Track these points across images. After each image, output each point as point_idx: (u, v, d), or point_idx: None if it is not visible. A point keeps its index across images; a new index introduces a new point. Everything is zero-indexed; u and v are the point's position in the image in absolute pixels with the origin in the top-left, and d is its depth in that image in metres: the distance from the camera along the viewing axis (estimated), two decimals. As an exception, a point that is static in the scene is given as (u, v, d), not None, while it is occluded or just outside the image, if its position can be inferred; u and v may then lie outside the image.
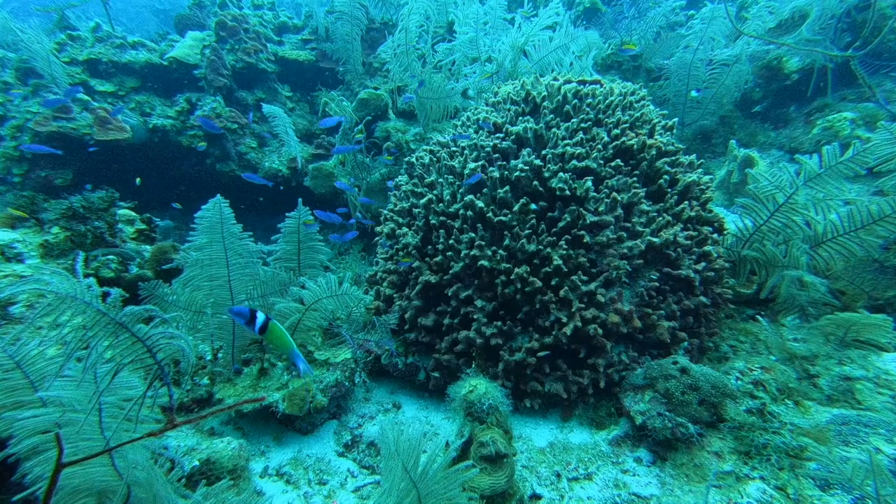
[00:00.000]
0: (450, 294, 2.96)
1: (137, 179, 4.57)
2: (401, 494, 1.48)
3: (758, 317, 3.00)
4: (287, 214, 3.16)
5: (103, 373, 1.47)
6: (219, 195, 2.88)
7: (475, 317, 2.85)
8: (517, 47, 3.94)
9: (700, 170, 2.97)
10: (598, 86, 3.13)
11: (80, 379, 1.52)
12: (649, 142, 2.82)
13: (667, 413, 2.07)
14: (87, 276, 2.47)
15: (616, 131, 2.89)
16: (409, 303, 3.14)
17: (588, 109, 2.99)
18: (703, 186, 2.85)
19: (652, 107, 3.11)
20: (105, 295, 1.43)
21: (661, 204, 2.78)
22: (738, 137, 7.13)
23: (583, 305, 2.59)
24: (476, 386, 2.27)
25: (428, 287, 3.09)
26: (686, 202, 2.77)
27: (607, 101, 2.99)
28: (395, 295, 3.29)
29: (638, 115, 2.98)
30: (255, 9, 6.91)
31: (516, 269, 2.73)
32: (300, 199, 3.10)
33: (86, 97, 4.41)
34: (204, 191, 6.23)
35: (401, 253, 3.26)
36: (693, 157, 2.99)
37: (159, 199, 5.64)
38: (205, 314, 2.84)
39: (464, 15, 4.66)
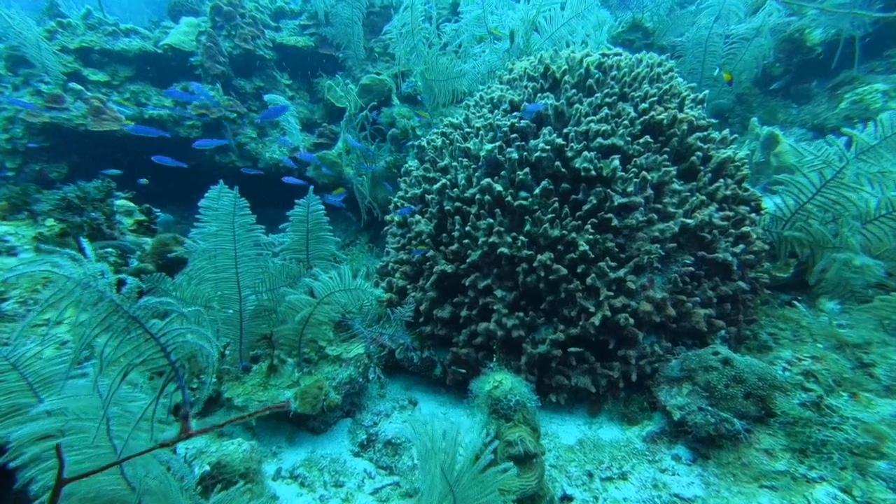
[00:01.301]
0: (467, 284, 2.84)
1: (144, 180, 4.46)
2: (439, 498, 1.37)
3: (794, 302, 2.86)
4: (296, 202, 3.04)
5: (110, 377, 1.37)
6: (221, 181, 2.78)
7: (495, 308, 2.73)
8: (528, 21, 3.77)
9: (734, 145, 2.81)
10: (622, 57, 2.97)
11: (87, 382, 1.41)
12: (680, 116, 2.67)
13: (709, 408, 1.95)
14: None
15: (644, 105, 2.73)
16: (424, 294, 3.02)
17: (612, 83, 2.84)
18: (738, 163, 2.70)
19: (680, 79, 2.95)
20: (120, 283, 1.32)
21: (694, 183, 2.63)
22: (757, 115, 6.90)
23: (611, 293, 2.46)
24: (501, 381, 2.16)
25: (443, 277, 2.97)
26: (721, 180, 2.62)
27: (633, 74, 2.84)
28: (408, 286, 3.17)
29: (666, 87, 2.82)
30: (251, -7, 6.75)
31: (539, 257, 2.60)
32: (311, 187, 2.98)
33: (79, 87, 4.29)
34: (203, 183, 6.14)
35: (413, 242, 3.14)
36: (727, 131, 2.83)
37: (158, 193, 5.54)
38: (211, 309, 2.74)
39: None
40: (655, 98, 2.73)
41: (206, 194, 2.80)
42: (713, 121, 2.82)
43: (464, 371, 2.93)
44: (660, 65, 2.96)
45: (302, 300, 2.72)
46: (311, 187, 3.05)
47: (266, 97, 5.46)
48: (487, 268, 2.84)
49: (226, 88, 5.24)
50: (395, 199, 3.51)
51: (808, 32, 6.65)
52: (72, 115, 4.17)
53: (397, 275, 3.26)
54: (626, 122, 2.70)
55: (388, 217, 3.64)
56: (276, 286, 2.85)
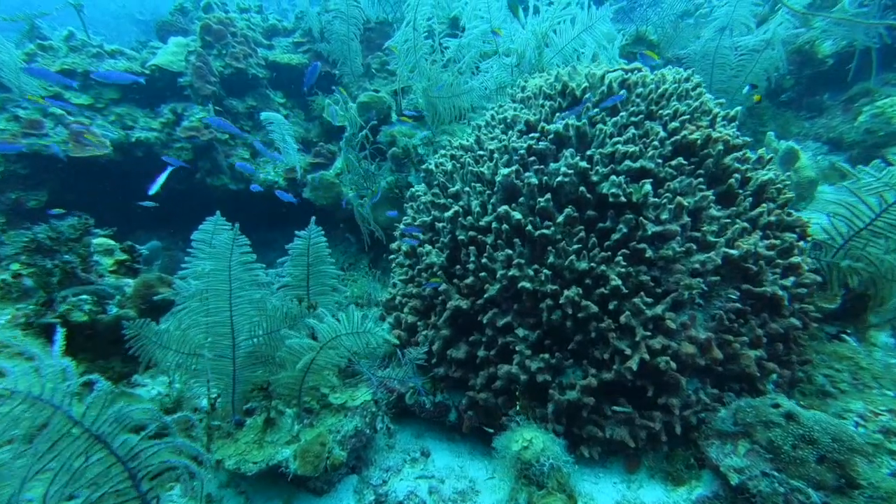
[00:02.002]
0: (485, 322, 2.61)
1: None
2: None
3: (843, 335, 2.63)
4: (296, 233, 2.82)
5: None
6: (217, 213, 2.59)
7: (517, 348, 2.50)
8: (540, 34, 3.60)
9: (772, 165, 2.61)
10: (645, 73, 2.79)
11: None
12: (715, 135, 2.47)
13: (775, 473, 1.71)
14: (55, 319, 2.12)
15: (674, 124, 2.54)
16: (437, 332, 2.79)
17: (638, 101, 2.65)
18: (779, 185, 2.50)
19: (708, 95, 2.77)
20: (89, 384, 1.08)
21: (734, 208, 2.42)
22: (770, 129, 6.76)
23: (648, 333, 2.23)
24: (531, 441, 1.92)
25: (458, 313, 2.74)
26: (763, 205, 2.41)
27: (660, 91, 2.65)
28: (418, 323, 2.93)
29: (696, 104, 2.63)
30: (242, 12, 6.62)
31: (566, 292, 2.37)
32: (313, 218, 2.76)
33: (60, 110, 4.08)
34: (194, 207, 5.93)
35: (424, 274, 2.91)
36: (763, 150, 2.64)
37: (145, 219, 5.31)
38: (201, 356, 2.49)
39: (473, 7, 4.33)
40: (687, 116, 2.53)
41: (201, 227, 2.59)
42: (748, 139, 2.63)
43: (477, 416, 2.68)
44: (687, 80, 2.78)
45: (304, 345, 2.48)
46: (314, 218, 2.83)
47: (262, 115, 5.25)
48: (507, 303, 2.61)
49: (217, 108, 5.05)
50: (402, 227, 3.29)
51: (818, 44, 6.56)
52: (51, 140, 3.96)
53: (406, 310, 3.03)
54: (655, 142, 2.50)
55: (393, 245, 3.41)
56: (275, 329, 2.61)
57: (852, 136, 5.64)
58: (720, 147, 2.48)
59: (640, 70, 2.94)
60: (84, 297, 2.19)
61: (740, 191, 2.46)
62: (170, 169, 2.81)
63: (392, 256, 3.46)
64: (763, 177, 2.47)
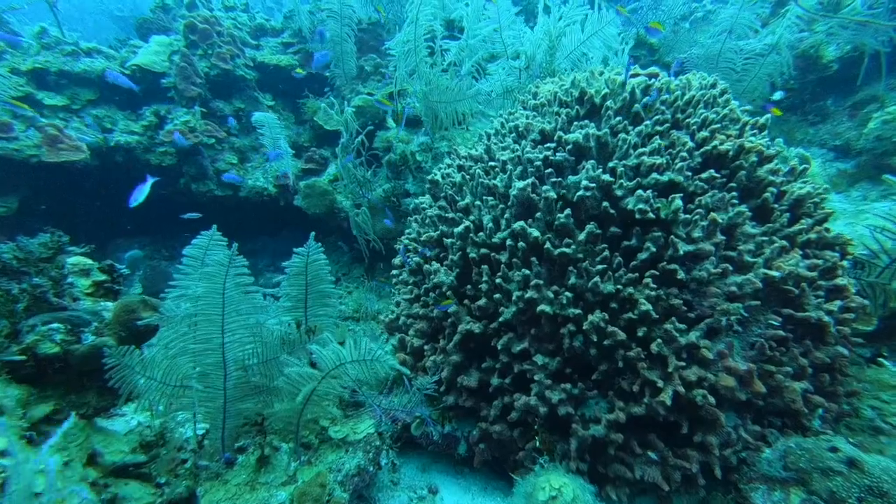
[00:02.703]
0: (499, 347, 2.43)
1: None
2: None
3: (880, 359, 2.49)
4: (294, 251, 2.62)
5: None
6: (214, 227, 2.40)
7: (535, 377, 2.32)
8: (553, 35, 3.43)
9: (805, 177, 2.47)
10: (669, 78, 2.63)
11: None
12: (748, 145, 2.32)
13: (838, 526, 1.54)
14: (20, 353, 1.89)
15: (703, 133, 2.38)
16: (446, 357, 2.60)
17: (663, 108, 2.49)
18: (816, 199, 2.35)
19: (736, 102, 2.62)
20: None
21: (770, 224, 2.27)
22: (774, 135, 6.67)
23: (682, 363, 2.06)
24: (560, 490, 1.74)
25: (469, 337, 2.55)
26: (803, 221, 2.26)
27: (687, 97, 2.49)
28: (425, 347, 2.74)
29: (725, 111, 2.48)
30: (227, 10, 6.39)
31: (590, 317, 2.20)
32: (311, 234, 2.56)
33: (31, 112, 3.83)
34: (179, 212, 5.68)
35: (431, 294, 2.72)
36: (795, 161, 2.49)
37: (125, 227, 5.06)
38: (188, 388, 2.27)
39: (475, 8, 4.16)
40: (718, 124, 2.38)
41: (194, 241, 2.38)
42: (780, 149, 2.48)
43: (488, 448, 2.50)
44: (713, 86, 2.63)
45: (304, 374, 2.28)
46: (312, 234, 2.63)
47: (254, 117, 5.01)
48: (523, 327, 2.43)
49: (203, 111, 4.82)
50: (405, 241, 3.10)
51: (823, 48, 6.49)
52: (22, 144, 3.71)
53: (411, 332, 2.83)
54: (683, 153, 2.34)
55: (396, 260, 3.22)
56: (272, 357, 2.40)
57: (862, 143, 5.55)
58: (753, 158, 2.33)
59: (655, 75, 2.79)
60: (55, 325, 1.97)
61: (776, 205, 2.31)
62: (151, 181, 2.61)
63: (395, 272, 3.26)
64: (800, 190, 2.32)
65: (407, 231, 3.25)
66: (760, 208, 2.32)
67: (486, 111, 4.92)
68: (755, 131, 2.52)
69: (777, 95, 5.08)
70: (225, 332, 2.27)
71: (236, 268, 2.29)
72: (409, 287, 2.96)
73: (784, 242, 2.18)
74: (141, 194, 2.51)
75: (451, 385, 2.62)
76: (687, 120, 2.47)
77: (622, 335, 2.14)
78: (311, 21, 6.51)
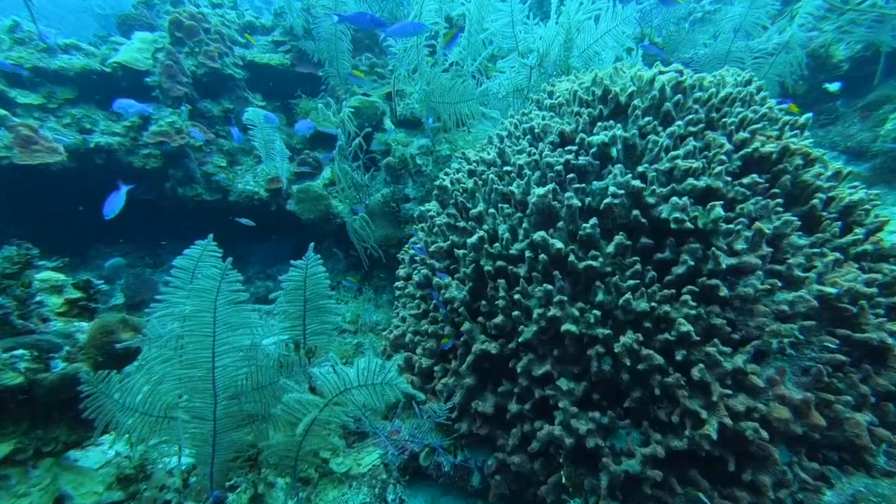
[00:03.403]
0: (519, 370, 2.21)
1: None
2: None
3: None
4: (292, 263, 2.40)
5: None
6: (210, 236, 2.19)
7: (560, 404, 2.10)
8: (571, 27, 3.22)
9: (851, 181, 2.27)
10: (703, 75, 2.43)
11: None
12: (793, 146, 2.11)
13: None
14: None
15: (743, 134, 2.18)
16: (458, 380, 2.38)
17: (696, 107, 2.29)
18: (868, 206, 2.14)
19: (773, 100, 2.42)
20: None
21: (819, 234, 2.06)
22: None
23: (728, 391, 1.85)
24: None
25: (484, 358, 2.34)
26: (858, 230, 2.06)
27: (722, 95, 2.29)
28: (435, 367, 2.52)
29: (764, 110, 2.28)
30: (214, 7, 6.17)
31: (622, 338, 1.99)
32: (311, 245, 2.34)
33: (2, 112, 3.58)
34: (164, 219, 5.44)
35: (441, 311, 2.50)
36: (839, 164, 2.29)
37: (107, 233, 4.82)
38: (173, 419, 2.05)
39: (477, 5, 3.96)
40: (758, 124, 2.17)
41: (186, 252, 2.18)
42: (823, 151, 2.28)
43: (505, 481, 2.28)
44: (748, 82, 2.43)
45: (304, 401, 2.06)
46: (312, 244, 2.41)
47: (247, 114, 4.76)
48: (544, 348, 2.21)
49: (190, 112, 4.58)
50: (412, 251, 2.88)
51: (833, 48, 6.33)
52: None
53: (419, 351, 2.62)
54: (721, 156, 2.13)
55: (400, 272, 3.00)
56: (267, 382, 2.18)
57: (879, 146, 5.37)
58: (798, 161, 2.13)
59: (681, 71, 2.59)
60: (19, 352, 1.74)
61: (824, 213, 2.10)
62: (125, 188, 2.39)
63: (398, 284, 3.04)
64: (850, 196, 2.12)
65: (412, 240, 3.03)
66: (807, 216, 2.12)
67: (488, 113, 4.72)
68: (796, 131, 2.32)
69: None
70: (216, 356, 2.05)
71: (230, 283, 2.08)
72: (417, 301, 2.73)
73: (837, 254, 1.98)
74: (116, 204, 2.29)
75: (464, 410, 2.40)
76: (723, 120, 2.26)
77: (659, 359, 1.93)
78: (303, 19, 6.30)
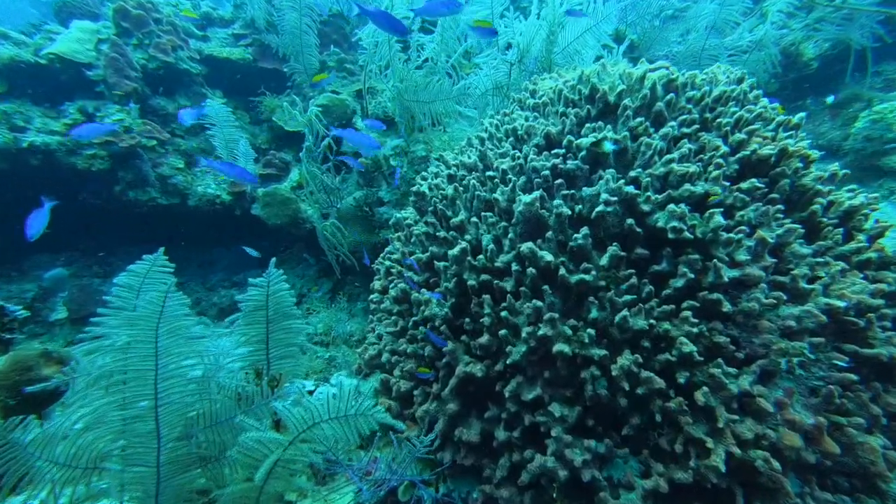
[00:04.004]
0: (507, 394, 2.02)
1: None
2: None
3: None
4: (251, 281, 2.15)
5: None
6: (161, 250, 1.93)
7: (553, 432, 1.92)
8: (554, 21, 3.04)
9: (851, 184, 2.17)
10: (694, 72, 2.29)
11: None
12: (791, 148, 1.99)
13: None
14: None
15: (739, 136, 2.05)
16: (441, 406, 2.18)
17: (689, 106, 2.14)
18: (866, 211, 2.04)
19: (766, 99, 2.30)
20: None
21: (821, 242, 1.94)
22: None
23: (735, 417, 1.70)
24: None
25: (468, 380, 2.14)
26: (860, 237, 1.95)
27: (715, 94, 2.15)
28: (415, 392, 2.31)
29: (758, 109, 2.15)
30: (166, -4, 5.77)
31: (619, 360, 1.82)
32: (272, 260, 2.10)
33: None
34: (114, 225, 5.04)
35: (421, 328, 2.29)
36: (836, 166, 2.19)
37: (48, 241, 4.41)
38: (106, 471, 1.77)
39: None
40: (756, 125, 2.04)
41: (130, 268, 1.92)
42: (818, 153, 2.17)
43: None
44: (740, 80, 2.30)
45: (266, 440, 1.81)
46: (273, 259, 2.16)
47: (207, 109, 4.39)
48: (534, 369, 2.03)
49: (142, 109, 4.22)
50: (387, 263, 2.66)
51: (803, 46, 6.39)
52: None
53: (397, 373, 2.40)
54: (717, 159, 1.99)
55: (375, 284, 2.77)
56: (223, 419, 1.92)
57: (850, 144, 5.42)
58: (797, 163, 2.01)
59: (667, 68, 2.45)
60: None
61: (824, 219, 1.99)
62: (48, 205, 2.08)
63: (373, 297, 2.81)
64: (850, 201, 2.01)
65: (388, 250, 2.81)
66: (807, 222, 2.00)
67: (464, 112, 4.53)
68: (791, 132, 2.20)
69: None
70: (160, 392, 1.78)
71: (175, 306, 1.81)
72: (394, 318, 2.51)
73: (842, 264, 1.86)
74: (39, 224, 1.97)
75: (448, 439, 2.19)
76: (718, 120, 2.13)
77: (660, 382, 1.77)
78: (265, 11, 5.96)
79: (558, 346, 1.90)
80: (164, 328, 1.75)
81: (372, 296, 2.83)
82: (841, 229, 1.96)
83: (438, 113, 4.08)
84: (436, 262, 2.29)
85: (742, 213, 1.92)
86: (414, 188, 2.58)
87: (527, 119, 2.44)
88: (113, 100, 3.93)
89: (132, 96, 4.06)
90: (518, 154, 2.27)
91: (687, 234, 1.87)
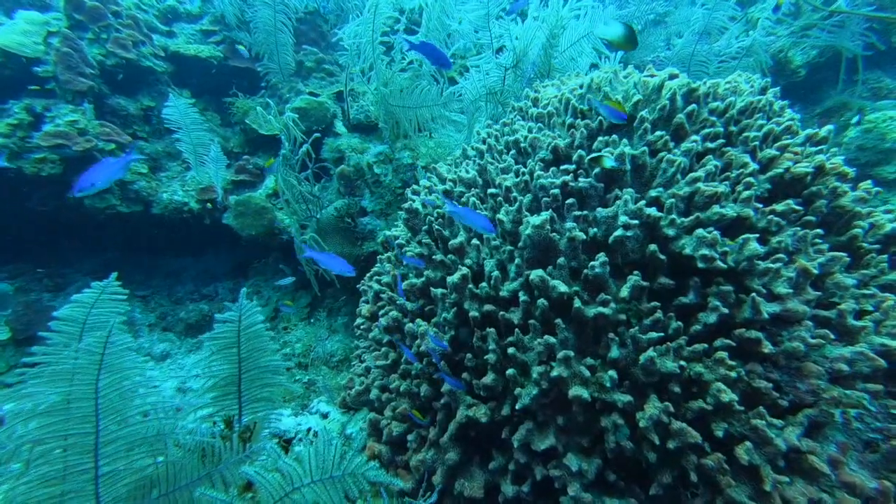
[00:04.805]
0: (516, 443, 1.76)
1: None
2: None
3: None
4: (216, 317, 1.85)
5: None
6: (113, 275, 1.63)
7: (570, 490, 1.67)
8: (556, 24, 2.80)
9: (877, 198, 1.98)
10: (717, 81, 2.08)
11: None
12: (829, 165, 1.79)
13: None
14: None
15: (770, 151, 1.84)
16: (439, 454, 1.91)
17: (713, 118, 1.92)
18: (907, 236, 1.85)
19: (791, 111, 2.10)
20: None
21: (864, 271, 1.74)
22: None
23: (784, 478, 1.48)
24: None
25: (470, 425, 1.88)
26: (905, 267, 1.76)
27: (740, 105, 1.94)
28: (408, 436, 2.03)
29: (786, 122, 1.95)
30: (126, -15, 5.33)
31: (648, 409, 1.58)
32: (243, 290, 1.81)
33: None
34: (67, 235, 4.62)
35: (416, 364, 2.02)
36: (869, 183, 1.99)
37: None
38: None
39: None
40: (788, 139, 1.83)
41: (75, 298, 1.65)
42: (853, 170, 1.98)
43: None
44: (763, 90, 2.10)
45: (231, 514, 1.52)
46: (244, 290, 1.87)
47: (166, 109, 4.01)
48: (545, 414, 1.78)
49: (100, 109, 3.84)
50: (375, 287, 2.38)
51: (791, 53, 6.33)
52: None
53: (387, 413, 2.12)
54: (747, 178, 1.78)
55: (362, 309, 2.49)
56: (183, 484, 1.62)
57: (843, 154, 5.32)
58: (834, 183, 1.81)
59: (675, 76, 2.24)
60: None
61: (865, 244, 1.79)
62: None
63: (360, 323, 2.53)
64: (893, 223, 1.82)
65: (376, 270, 2.53)
66: (846, 248, 1.80)
67: (450, 116, 4.28)
68: (820, 147, 2.01)
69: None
70: (100, 459, 1.48)
71: (116, 353, 1.52)
72: (384, 350, 2.24)
73: (892, 296, 1.66)
74: None
75: (447, 492, 1.93)
76: (744, 134, 1.91)
77: (696, 436, 1.54)
78: (237, 7, 5.59)
79: (575, 390, 1.66)
80: (105, 379, 1.45)
81: (358, 320, 2.55)
82: (885, 256, 1.77)
83: (425, 119, 3.81)
84: (432, 288, 2.02)
85: (779, 238, 1.71)
86: (406, 205, 2.31)
87: (530, 130, 2.20)
88: (66, 98, 3.54)
89: (87, 95, 3.68)
90: (523, 169, 2.03)
91: (719, 263, 1.65)
